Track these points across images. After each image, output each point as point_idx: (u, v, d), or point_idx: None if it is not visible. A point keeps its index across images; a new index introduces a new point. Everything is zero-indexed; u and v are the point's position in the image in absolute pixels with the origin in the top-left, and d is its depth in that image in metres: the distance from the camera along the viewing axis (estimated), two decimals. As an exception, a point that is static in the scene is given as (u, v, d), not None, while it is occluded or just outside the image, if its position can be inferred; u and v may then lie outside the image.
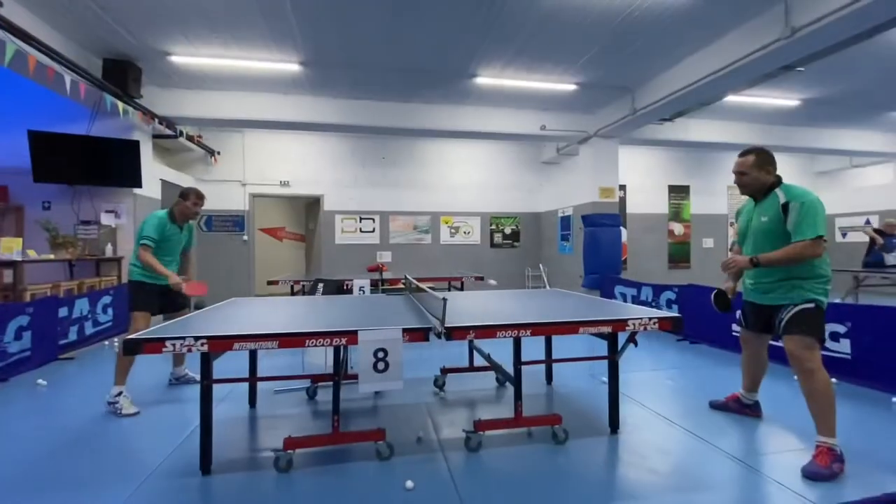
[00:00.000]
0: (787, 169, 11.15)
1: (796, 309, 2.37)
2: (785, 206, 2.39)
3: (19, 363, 3.99)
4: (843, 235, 10.13)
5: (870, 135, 8.98)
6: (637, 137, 7.90)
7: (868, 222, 7.50)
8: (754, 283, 2.62)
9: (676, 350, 4.80)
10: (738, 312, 3.03)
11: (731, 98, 6.70)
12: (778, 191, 2.49)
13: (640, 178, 10.18)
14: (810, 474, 2.19)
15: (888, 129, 8.87)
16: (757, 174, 2.54)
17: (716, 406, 3.13)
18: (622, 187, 9.66)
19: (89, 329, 5.03)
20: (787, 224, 2.36)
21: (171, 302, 3.48)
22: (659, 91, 6.05)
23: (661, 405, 3.19)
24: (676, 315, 2.53)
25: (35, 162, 5.41)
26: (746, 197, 2.72)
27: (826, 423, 2.29)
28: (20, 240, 4.88)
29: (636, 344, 2.68)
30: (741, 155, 2.61)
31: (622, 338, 2.70)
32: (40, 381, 3.74)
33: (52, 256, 5.25)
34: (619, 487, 2.13)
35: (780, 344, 2.49)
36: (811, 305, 2.36)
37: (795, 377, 2.45)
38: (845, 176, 11.21)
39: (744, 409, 3.00)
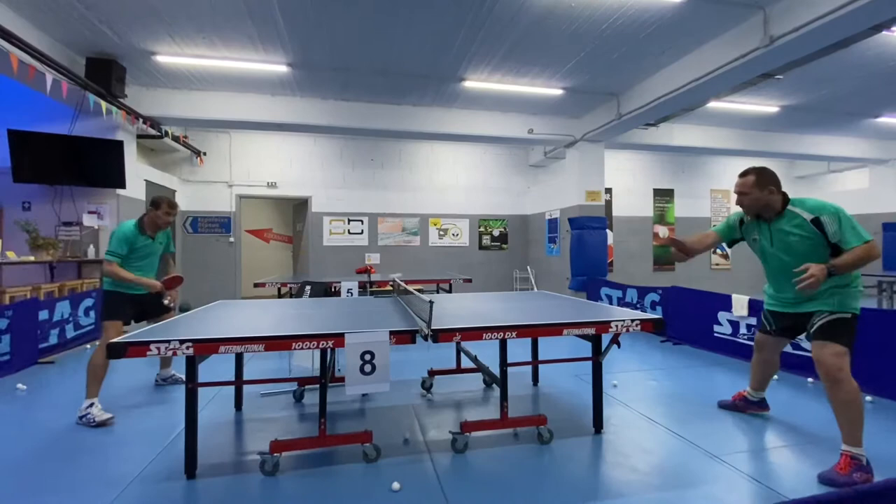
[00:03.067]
0: (768, 173, 11.40)
1: (832, 317, 2.31)
2: (815, 221, 2.34)
3: (-2, 367, 3.91)
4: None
5: (847, 141, 9.25)
6: (623, 142, 8.03)
7: None
8: (785, 293, 2.54)
9: (660, 351, 4.89)
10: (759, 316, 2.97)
11: (714, 104, 6.85)
12: (793, 208, 2.44)
13: (626, 182, 10.33)
14: (826, 480, 2.18)
15: (864, 136, 9.14)
16: (759, 194, 2.47)
17: (724, 406, 3.16)
18: (608, 190, 9.80)
19: (70, 332, 4.94)
20: (830, 237, 2.31)
21: (150, 308, 3.41)
22: (643, 97, 6.16)
23: (645, 405, 3.25)
24: (658, 317, 2.59)
25: (15, 161, 5.31)
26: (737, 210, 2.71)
27: (851, 433, 2.22)
28: (-1, 241, 4.79)
29: (619, 345, 2.73)
30: (741, 175, 2.54)
31: (606, 339, 2.75)
32: (20, 385, 3.67)
33: (32, 258, 5.15)
34: (603, 486, 2.18)
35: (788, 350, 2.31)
36: (847, 315, 2.31)
37: (815, 382, 2.34)
38: (823, 181, 11.51)
39: (751, 405, 3.05)
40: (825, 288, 2.34)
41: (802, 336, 2.55)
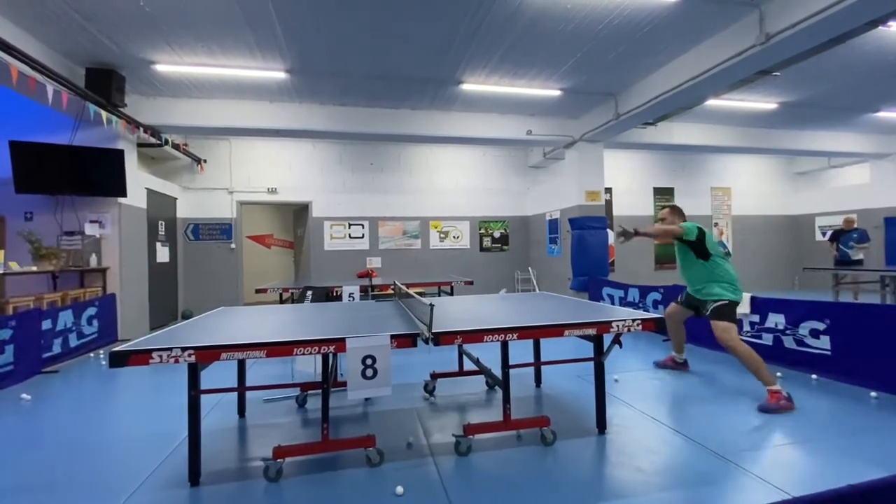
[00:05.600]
0: (767, 170, 11.41)
1: (714, 305, 3.41)
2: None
3: (2, 378, 3.92)
4: (824, 234, 10.37)
5: (847, 136, 9.23)
6: (622, 141, 8.03)
7: (831, 237, 7.95)
8: (691, 286, 3.71)
9: (663, 350, 4.87)
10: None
11: (712, 102, 6.85)
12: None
13: (626, 181, 10.33)
14: (763, 409, 3.01)
15: (864, 131, 9.12)
16: (671, 219, 3.78)
17: (659, 365, 4.19)
18: (608, 190, 9.80)
19: (74, 341, 4.96)
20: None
21: None
22: (641, 96, 6.17)
23: (648, 405, 3.24)
24: (659, 316, 2.59)
25: (16, 172, 5.33)
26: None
27: (762, 377, 3.12)
28: (2, 252, 4.81)
29: (621, 345, 2.73)
30: (662, 209, 3.93)
31: (608, 339, 2.75)
32: (24, 395, 3.68)
33: (34, 268, 5.17)
34: (607, 487, 2.17)
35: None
36: (724, 301, 3.38)
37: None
38: (824, 176, 11.48)
39: (678, 365, 4.10)
40: (704, 283, 3.52)
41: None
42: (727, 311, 3.35)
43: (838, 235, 7.76)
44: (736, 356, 3.22)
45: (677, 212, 3.82)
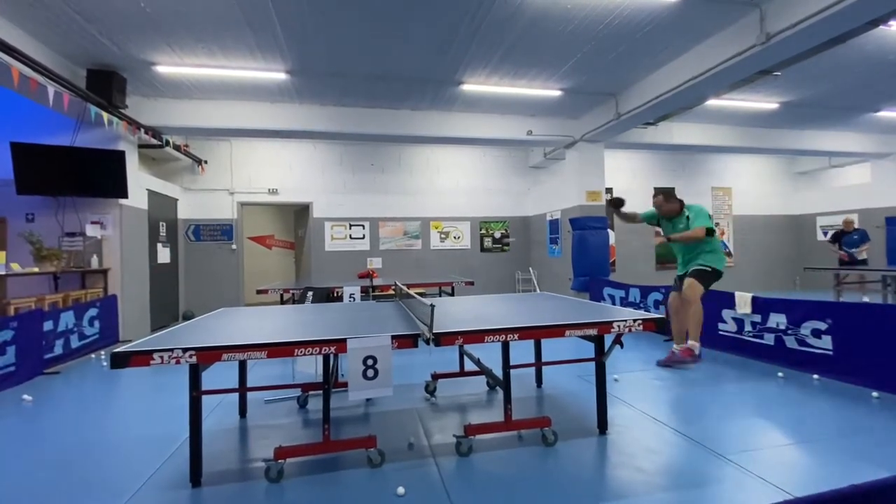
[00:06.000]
0: (768, 170, 11.39)
1: (697, 268, 4.04)
2: (688, 217, 4.12)
3: (4, 378, 3.93)
4: (825, 234, 10.36)
5: (847, 136, 9.22)
6: (622, 141, 8.03)
7: (832, 239, 8.05)
8: (686, 256, 4.23)
9: (664, 350, 4.85)
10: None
11: (712, 102, 6.85)
12: (684, 209, 4.21)
13: (627, 181, 10.32)
14: (669, 359, 3.95)
15: (865, 130, 9.12)
16: (667, 205, 4.28)
17: (661, 363, 4.21)
18: (609, 190, 9.78)
19: (75, 342, 4.96)
20: (690, 223, 4.07)
21: None
22: (642, 96, 6.17)
23: (649, 405, 3.24)
24: (660, 316, 2.58)
25: (18, 174, 5.34)
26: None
27: (694, 333, 3.93)
28: (3, 253, 4.81)
29: (622, 345, 2.73)
30: (654, 197, 4.40)
31: (609, 340, 2.74)
32: (26, 396, 3.69)
33: (36, 269, 5.18)
34: (608, 487, 2.17)
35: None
36: (708, 268, 4.01)
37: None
38: (825, 176, 11.47)
39: (675, 357, 4.18)
40: (693, 256, 4.13)
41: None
42: (707, 276, 3.97)
43: (840, 236, 7.80)
44: (687, 309, 3.95)
45: (671, 196, 4.26)
